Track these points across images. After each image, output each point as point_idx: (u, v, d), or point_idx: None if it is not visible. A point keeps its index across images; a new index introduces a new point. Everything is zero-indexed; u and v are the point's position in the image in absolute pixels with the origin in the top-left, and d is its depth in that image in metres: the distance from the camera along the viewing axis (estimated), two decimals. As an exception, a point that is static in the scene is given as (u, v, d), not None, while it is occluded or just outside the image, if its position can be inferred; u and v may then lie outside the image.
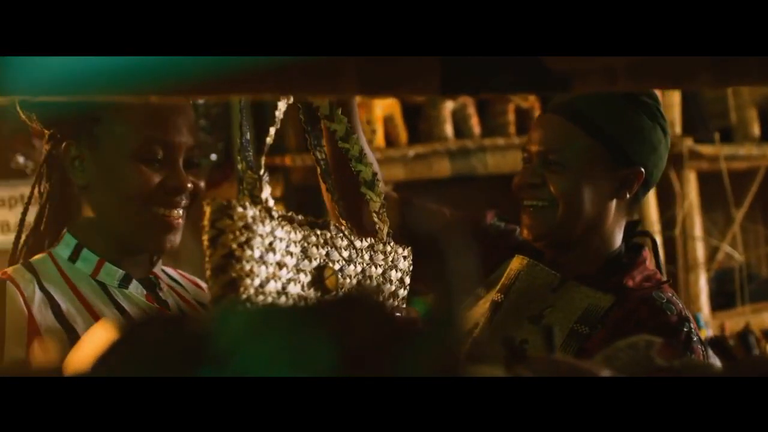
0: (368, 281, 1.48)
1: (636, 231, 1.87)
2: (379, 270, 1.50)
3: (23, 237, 1.63)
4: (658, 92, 1.89)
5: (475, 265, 1.73)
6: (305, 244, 1.37)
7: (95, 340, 0.82)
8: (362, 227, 1.59)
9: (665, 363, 0.94)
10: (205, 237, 1.26)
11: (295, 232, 1.36)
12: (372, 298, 0.92)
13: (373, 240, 1.51)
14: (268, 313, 0.84)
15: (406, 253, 1.56)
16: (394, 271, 1.53)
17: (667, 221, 3.81)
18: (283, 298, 1.32)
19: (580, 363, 0.96)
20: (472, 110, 3.51)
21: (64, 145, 1.56)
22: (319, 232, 1.41)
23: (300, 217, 1.43)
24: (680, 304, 1.74)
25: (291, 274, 1.34)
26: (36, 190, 1.62)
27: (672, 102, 3.78)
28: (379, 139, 3.33)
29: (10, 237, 1.71)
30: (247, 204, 1.30)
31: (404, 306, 1.55)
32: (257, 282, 1.28)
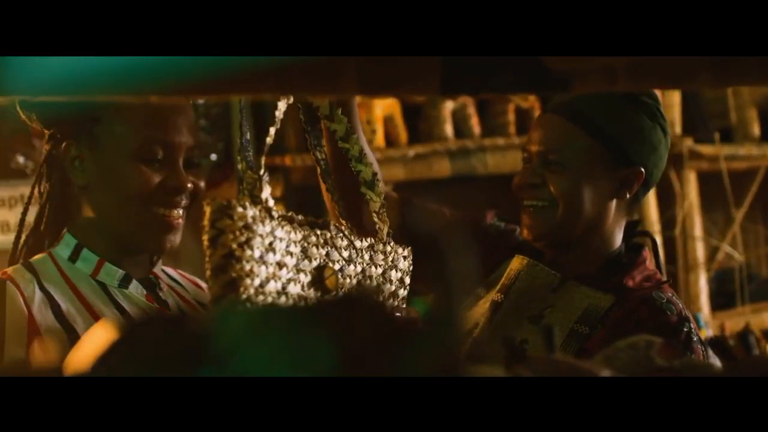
0: (368, 281, 1.48)
1: (636, 231, 1.87)
2: (379, 270, 1.50)
3: (23, 237, 1.63)
4: (658, 92, 1.89)
5: (475, 265, 1.73)
6: (305, 244, 1.37)
7: (95, 340, 0.82)
8: (362, 227, 1.59)
9: (665, 363, 0.94)
10: (205, 237, 1.26)
11: (295, 232, 1.36)
12: (372, 298, 0.92)
13: (373, 240, 1.51)
14: (268, 313, 0.84)
15: (406, 253, 1.56)
16: (394, 271, 1.53)
17: (667, 221, 3.81)
18: (283, 298, 1.32)
19: (580, 363, 0.96)
20: (472, 110, 3.51)
21: (64, 145, 1.56)
22: (319, 232, 1.41)
23: (300, 217, 1.43)
24: (680, 304, 1.74)
25: (291, 274, 1.34)
26: (36, 190, 1.62)
27: (672, 102, 3.78)
28: (379, 139, 3.33)
29: (10, 237, 1.71)
30: (247, 204, 1.30)
31: (404, 306, 1.55)
32: (257, 282, 1.28)
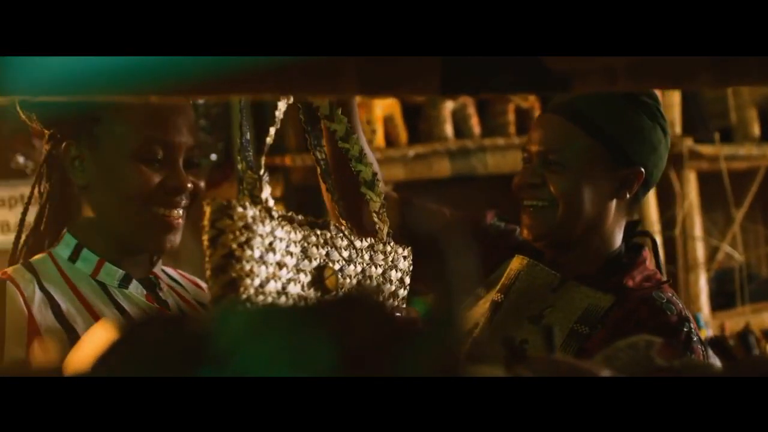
0: (368, 281, 1.48)
1: (636, 231, 1.87)
2: (379, 270, 1.50)
3: (23, 237, 1.63)
4: (658, 92, 1.89)
5: (475, 265, 1.73)
6: (305, 244, 1.37)
7: (95, 340, 0.82)
8: (362, 227, 1.59)
9: (665, 363, 0.94)
10: (205, 237, 1.26)
11: (295, 232, 1.36)
12: (372, 298, 0.92)
13: (373, 240, 1.51)
14: (268, 313, 0.84)
15: (406, 253, 1.56)
16: (394, 271, 1.53)
17: (667, 221, 3.81)
18: (283, 298, 1.32)
19: (580, 363, 0.96)
20: (472, 110, 3.51)
21: (64, 145, 1.56)
22: (319, 232, 1.41)
23: (300, 217, 1.43)
24: (680, 304, 1.75)
25: (291, 274, 1.34)
26: (36, 190, 1.62)
27: (672, 102, 3.78)
28: (379, 139, 3.33)
29: (10, 237, 1.71)
30: (247, 204, 1.30)
31: (404, 306, 1.55)
32: (257, 282, 1.28)
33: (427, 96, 3.12)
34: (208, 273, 1.26)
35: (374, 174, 1.59)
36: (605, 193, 1.77)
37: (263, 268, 1.29)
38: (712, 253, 4.07)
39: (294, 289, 1.34)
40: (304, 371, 0.77)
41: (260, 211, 1.31)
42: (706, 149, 3.87)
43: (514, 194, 1.80)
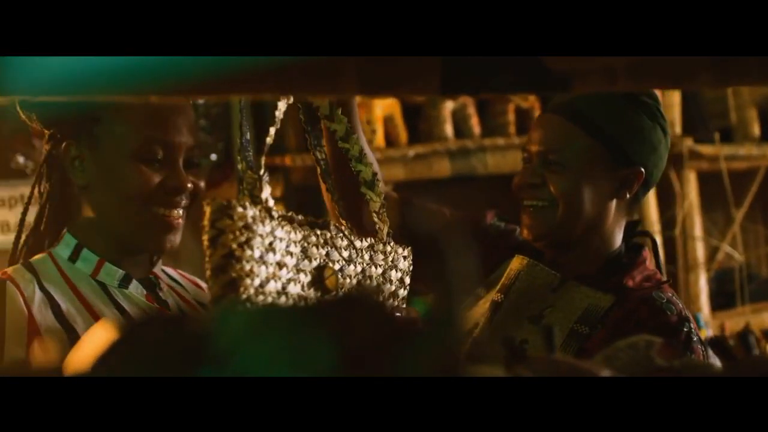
0: (368, 281, 1.48)
1: (636, 231, 1.87)
2: (379, 270, 1.50)
3: (23, 237, 1.63)
4: (658, 92, 1.89)
5: (475, 265, 1.73)
6: (305, 244, 1.37)
7: (95, 340, 0.82)
8: (362, 227, 1.59)
9: (665, 363, 0.94)
10: (205, 237, 1.26)
11: (295, 232, 1.36)
12: (372, 298, 0.92)
13: (373, 240, 1.51)
14: (268, 313, 0.84)
15: (406, 253, 1.56)
16: (394, 271, 1.53)
17: (667, 221, 3.81)
18: (283, 298, 1.32)
19: (580, 363, 0.96)
20: (472, 110, 3.51)
21: (64, 145, 1.56)
22: (319, 232, 1.41)
23: (300, 217, 1.43)
24: (680, 304, 1.74)
25: (291, 274, 1.34)
26: (36, 190, 1.62)
27: (672, 102, 3.78)
28: (379, 139, 3.33)
29: (10, 237, 1.71)
30: (247, 204, 1.30)
31: (404, 306, 1.55)
32: (257, 282, 1.28)
33: (427, 96, 3.12)
34: (208, 273, 1.26)
35: (374, 174, 1.59)
36: (605, 193, 1.77)
37: (263, 268, 1.29)
38: (712, 253, 4.07)
39: (294, 289, 1.34)
40: (304, 371, 0.77)
41: (260, 211, 1.31)
42: (706, 149, 3.87)
43: (514, 194, 1.80)
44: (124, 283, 1.57)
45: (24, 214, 1.63)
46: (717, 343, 1.81)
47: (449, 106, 3.45)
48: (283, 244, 1.33)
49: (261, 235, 1.29)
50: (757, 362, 1.10)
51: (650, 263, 1.82)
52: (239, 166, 1.37)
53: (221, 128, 3.29)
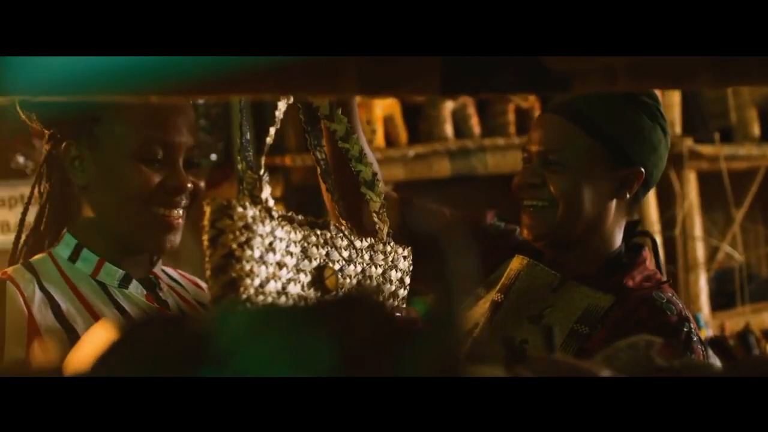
0: (368, 281, 1.48)
1: (636, 231, 1.87)
2: (379, 270, 1.50)
3: (23, 237, 1.63)
4: (658, 92, 1.89)
5: (475, 265, 1.73)
6: (305, 244, 1.37)
7: (95, 340, 0.82)
8: (362, 227, 1.59)
9: (665, 363, 0.94)
10: (205, 237, 1.26)
11: (295, 232, 1.36)
12: (372, 298, 0.92)
13: (373, 240, 1.51)
14: (268, 313, 0.84)
15: (406, 253, 1.56)
16: (394, 271, 1.53)
17: (667, 221, 3.81)
18: (283, 298, 1.32)
19: (580, 363, 0.96)
20: (472, 110, 3.51)
21: (64, 145, 1.56)
22: (319, 232, 1.41)
23: (300, 217, 1.43)
24: (680, 304, 1.75)
25: (291, 274, 1.34)
26: (36, 190, 1.62)
27: (672, 102, 3.78)
28: (379, 139, 3.33)
29: (10, 237, 1.71)
30: (247, 204, 1.30)
31: (404, 306, 1.55)
32: (257, 282, 1.28)
33: (427, 96, 3.12)
34: (208, 273, 1.26)
35: (374, 174, 1.59)
36: (605, 193, 1.77)
37: (263, 268, 1.29)
38: (712, 253, 4.07)
39: (294, 289, 1.34)
40: (304, 371, 0.77)
41: (260, 211, 1.31)
42: (706, 149, 3.87)
43: (514, 194, 1.80)
44: (124, 283, 1.57)
45: (24, 214, 1.63)
46: (717, 343, 1.80)
47: (449, 106, 3.45)
48: (283, 244, 1.33)
49: (261, 235, 1.29)
50: (757, 362, 1.10)
51: (650, 263, 1.82)
52: (239, 166, 1.37)
53: (221, 128, 3.29)
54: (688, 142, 3.82)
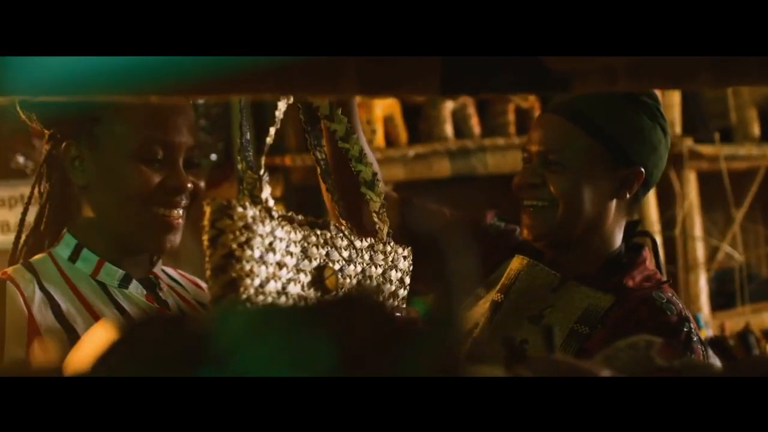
0: (368, 281, 1.48)
1: (636, 231, 1.87)
2: (379, 270, 1.50)
3: (23, 237, 1.63)
4: (658, 92, 1.89)
5: (475, 265, 1.73)
6: (305, 244, 1.37)
7: (95, 340, 0.82)
8: (362, 227, 1.59)
9: (665, 363, 0.94)
10: (205, 237, 1.26)
11: (295, 232, 1.36)
12: (372, 298, 0.92)
13: (373, 240, 1.51)
14: (268, 313, 0.84)
15: (406, 253, 1.56)
16: (394, 271, 1.53)
17: (667, 221, 3.81)
18: (283, 298, 1.32)
19: (580, 363, 0.96)
20: (472, 110, 3.51)
21: (64, 145, 1.56)
22: (319, 232, 1.41)
23: (300, 217, 1.43)
24: (680, 304, 1.75)
25: (291, 274, 1.34)
26: (36, 190, 1.62)
27: (672, 102, 3.78)
28: (379, 139, 3.33)
29: (10, 237, 1.71)
30: (247, 204, 1.30)
31: (404, 306, 1.55)
32: (257, 282, 1.28)
33: (427, 96, 3.12)
34: (208, 273, 1.26)
35: (374, 174, 1.59)
36: (605, 193, 1.77)
37: (263, 268, 1.29)
38: (712, 253, 4.07)
39: (294, 289, 1.34)
40: (304, 371, 0.77)
41: (260, 211, 1.31)
42: (706, 149, 3.87)
43: (514, 194, 1.80)
44: (124, 283, 1.57)
45: (24, 214, 1.63)
46: (717, 343, 1.80)
47: (449, 106, 3.45)
48: (283, 244, 1.33)
49: (261, 235, 1.29)
50: (757, 362, 1.10)
51: (650, 263, 1.82)
52: (239, 166, 1.37)
53: (221, 128, 3.29)
54: (688, 142, 3.82)
